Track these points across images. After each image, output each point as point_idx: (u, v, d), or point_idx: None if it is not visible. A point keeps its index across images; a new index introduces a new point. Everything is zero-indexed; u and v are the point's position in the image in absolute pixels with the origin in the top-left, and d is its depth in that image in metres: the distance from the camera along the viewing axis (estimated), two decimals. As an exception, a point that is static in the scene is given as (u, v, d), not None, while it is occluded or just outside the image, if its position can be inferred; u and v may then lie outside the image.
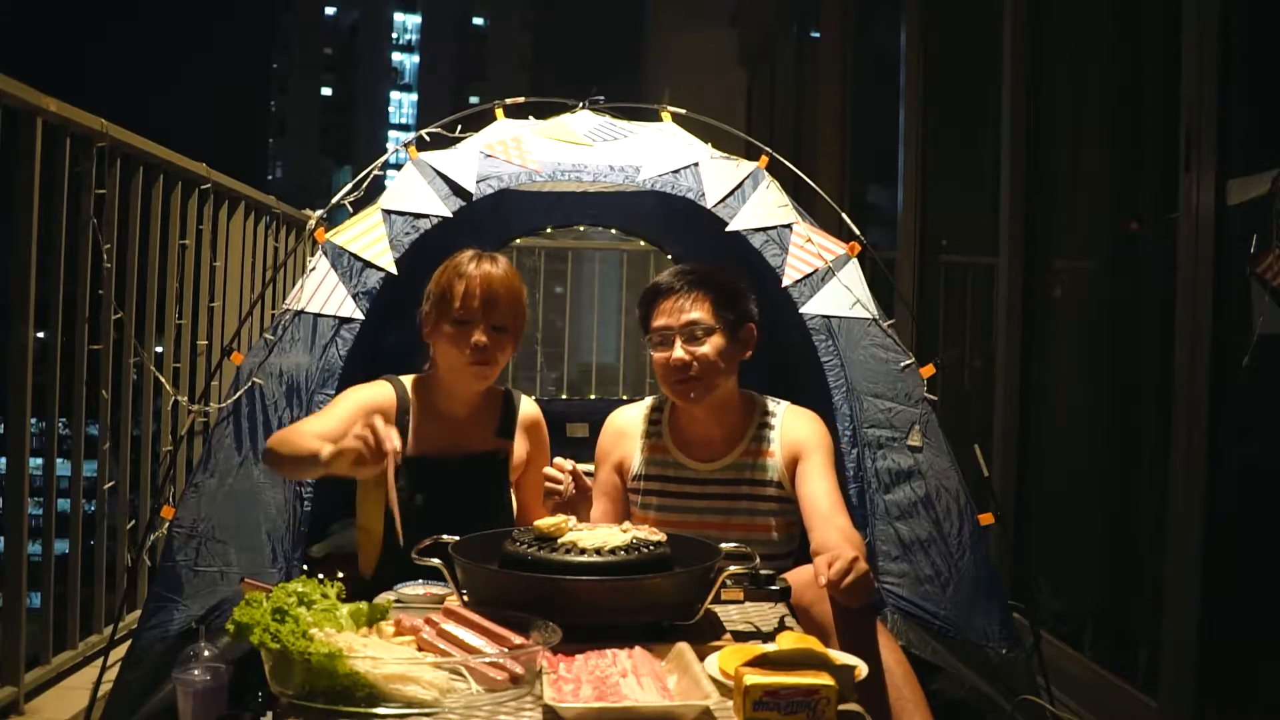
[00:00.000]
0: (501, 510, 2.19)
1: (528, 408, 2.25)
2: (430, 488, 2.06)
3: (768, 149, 2.45)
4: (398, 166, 2.38)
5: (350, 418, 1.92)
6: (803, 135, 6.60)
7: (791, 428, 2.18)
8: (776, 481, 2.17)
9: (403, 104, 50.21)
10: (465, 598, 1.69)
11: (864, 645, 1.73)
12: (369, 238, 2.22)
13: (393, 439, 1.72)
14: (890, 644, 1.81)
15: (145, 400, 3.21)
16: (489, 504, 2.16)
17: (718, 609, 1.85)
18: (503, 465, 2.19)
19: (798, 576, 1.85)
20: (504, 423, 2.21)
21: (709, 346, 2.11)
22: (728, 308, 2.14)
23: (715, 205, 2.33)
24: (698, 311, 2.12)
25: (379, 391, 2.11)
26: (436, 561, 1.72)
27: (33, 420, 2.49)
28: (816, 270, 2.31)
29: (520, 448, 2.22)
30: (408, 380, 2.16)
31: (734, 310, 2.15)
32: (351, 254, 2.21)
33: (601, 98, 2.48)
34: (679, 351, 2.10)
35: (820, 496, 2.06)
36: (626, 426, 2.28)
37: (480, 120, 2.45)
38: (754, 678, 1.32)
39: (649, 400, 2.32)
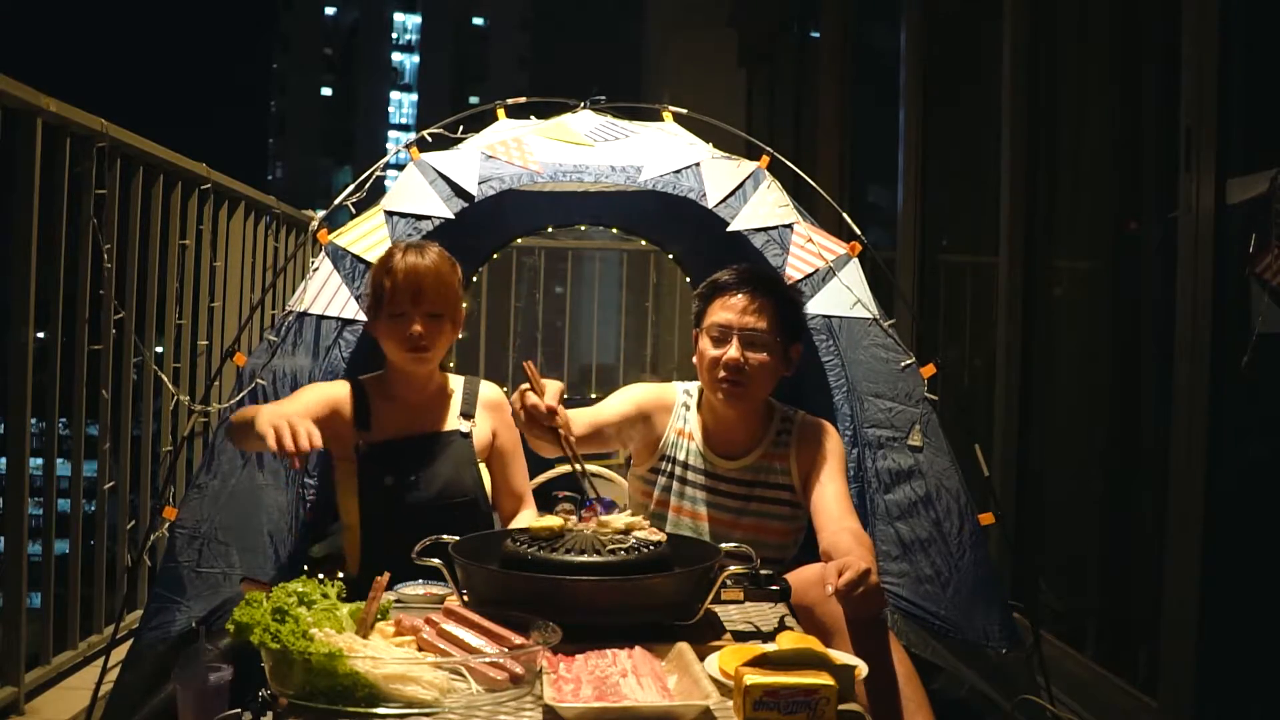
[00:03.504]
0: (472, 487, 2.18)
1: (488, 390, 2.28)
2: (398, 468, 2.11)
3: (768, 149, 2.46)
4: (399, 167, 2.39)
5: (315, 405, 2.06)
6: (803, 135, 6.60)
7: (808, 435, 2.19)
8: (789, 486, 2.18)
9: (403, 104, 50.17)
10: (465, 598, 1.69)
11: (875, 650, 1.73)
12: (371, 239, 2.22)
13: (312, 438, 1.82)
14: (893, 645, 1.82)
15: (145, 400, 3.21)
16: (457, 480, 2.16)
17: (718, 609, 1.85)
18: (466, 442, 2.20)
19: (799, 576, 1.86)
20: (465, 405, 2.25)
21: (764, 356, 2.11)
22: (786, 324, 2.14)
23: (716, 205, 2.33)
24: (761, 319, 2.10)
25: (336, 387, 2.16)
26: (436, 561, 1.72)
27: (33, 420, 2.49)
28: (817, 270, 2.31)
29: (484, 427, 2.23)
30: (365, 379, 2.20)
31: (791, 328, 2.15)
32: (354, 255, 2.21)
33: (602, 97, 2.49)
34: (734, 351, 2.09)
35: (831, 499, 2.07)
36: (666, 401, 2.26)
37: (481, 120, 2.45)
38: (754, 678, 1.33)
39: (681, 384, 2.30)
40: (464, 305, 2.20)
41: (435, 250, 2.13)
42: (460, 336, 2.26)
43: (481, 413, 2.25)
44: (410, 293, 2.08)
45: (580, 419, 2.11)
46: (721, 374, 2.11)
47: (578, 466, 1.91)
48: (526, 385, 1.93)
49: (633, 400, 2.23)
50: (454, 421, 2.22)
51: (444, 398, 2.24)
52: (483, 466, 2.25)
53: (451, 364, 2.70)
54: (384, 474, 2.10)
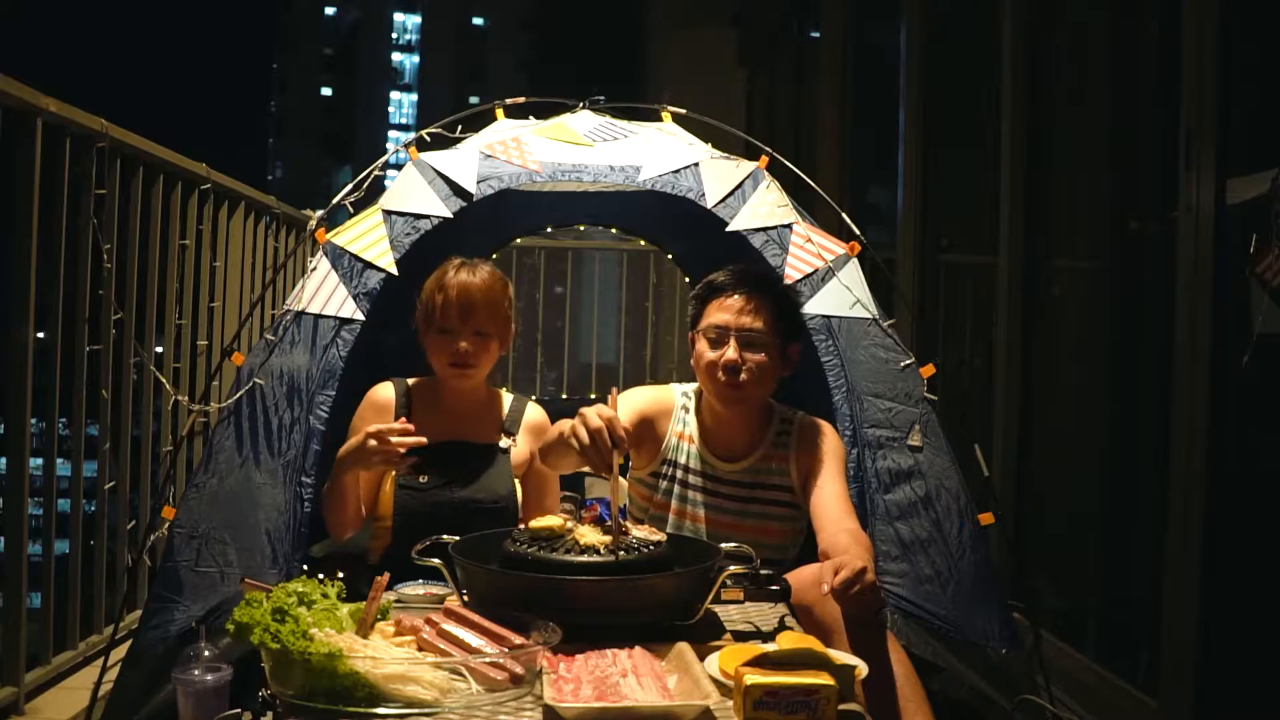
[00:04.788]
0: (504, 495, 2.21)
1: (534, 412, 2.34)
2: (434, 468, 2.16)
3: (768, 149, 2.45)
4: (398, 167, 2.39)
5: (372, 418, 2.16)
6: (803, 135, 6.59)
7: (807, 436, 2.19)
8: (789, 487, 2.18)
9: (403, 104, 50.15)
10: (465, 598, 1.69)
11: (874, 650, 1.73)
12: (370, 238, 2.22)
13: (399, 427, 1.99)
14: (892, 643, 1.81)
15: (145, 400, 3.21)
16: (489, 486, 2.20)
17: (718, 609, 1.85)
18: (504, 457, 2.25)
19: (799, 577, 1.86)
20: (509, 423, 2.29)
21: (761, 357, 2.10)
22: (784, 324, 2.13)
23: (715, 205, 2.33)
24: (757, 319, 2.10)
25: (380, 391, 2.23)
26: (436, 561, 1.72)
27: (33, 420, 2.49)
28: (817, 270, 2.31)
29: (524, 446, 2.28)
30: (411, 381, 2.26)
31: (788, 327, 2.15)
32: (352, 254, 2.21)
33: (602, 98, 2.49)
34: (732, 352, 2.08)
35: (831, 500, 2.07)
36: (666, 405, 2.26)
37: (480, 120, 2.45)
38: (754, 678, 1.33)
39: (679, 386, 2.30)
40: (513, 324, 2.26)
41: (487, 269, 2.22)
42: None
43: (524, 433, 2.30)
44: (462, 311, 2.15)
45: None
46: (720, 376, 2.10)
47: (618, 485, 1.86)
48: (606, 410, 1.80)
49: (634, 408, 2.22)
50: (494, 435, 2.27)
51: (489, 411, 2.30)
52: (515, 481, 2.28)
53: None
54: (419, 473, 2.16)
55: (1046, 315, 3.28)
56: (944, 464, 2.22)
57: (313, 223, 2.31)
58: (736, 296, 2.11)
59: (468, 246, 2.67)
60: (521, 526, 1.82)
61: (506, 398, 2.33)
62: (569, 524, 1.78)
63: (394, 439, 1.97)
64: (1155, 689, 2.43)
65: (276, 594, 1.47)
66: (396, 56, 50.34)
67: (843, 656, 1.53)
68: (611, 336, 5.87)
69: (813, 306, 2.28)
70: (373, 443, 1.97)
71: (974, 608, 2.14)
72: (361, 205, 2.30)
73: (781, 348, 2.13)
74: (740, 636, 1.72)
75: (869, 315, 2.30)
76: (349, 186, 2.33)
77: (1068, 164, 3.26)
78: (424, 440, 2.01)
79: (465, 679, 1.43)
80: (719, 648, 1.55)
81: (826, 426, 2.22)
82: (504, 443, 2.26)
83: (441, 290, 2.16)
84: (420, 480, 2.16)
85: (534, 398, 2.47)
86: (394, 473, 2.17)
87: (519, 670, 1.42)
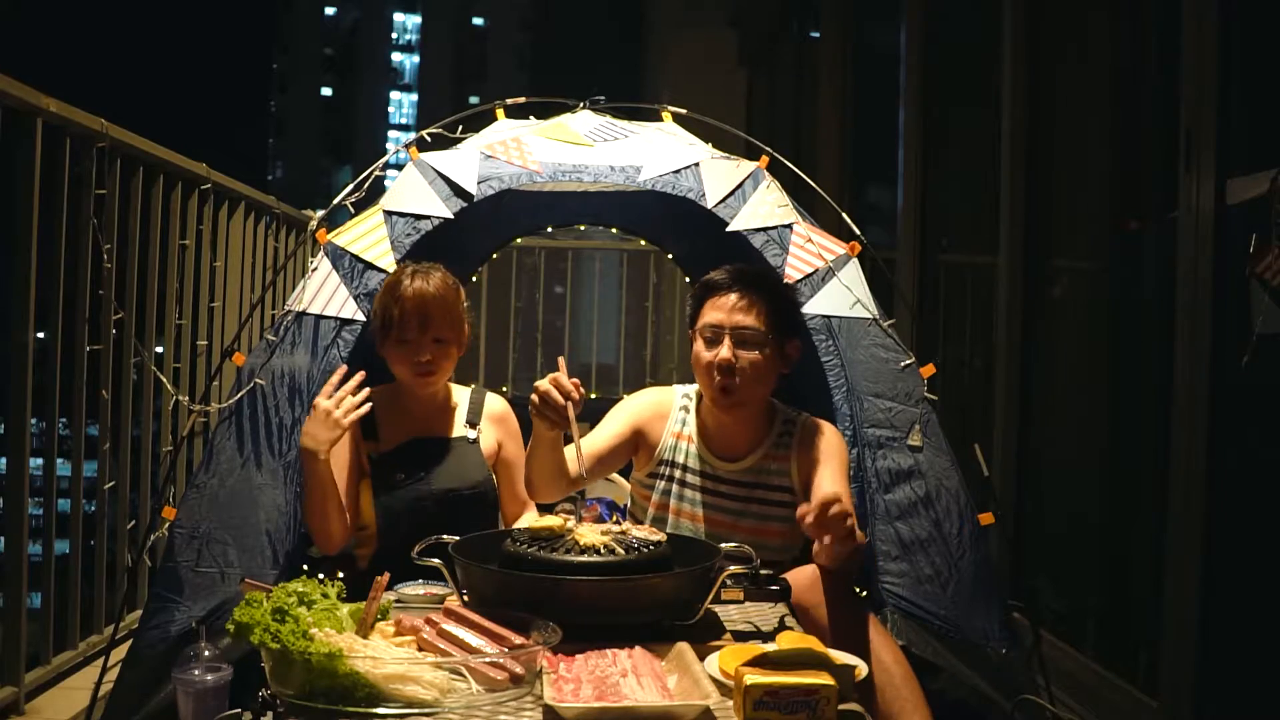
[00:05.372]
0: (481, 480, 2.25)
1: (494, 402, 2.37)
2: (407, 466, 2.21)
3: (768, 149, 2.45)
4: (399, 167, 2.39)
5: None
6: (803, 135, 6.59)
7: (809, 437, 2.18)
8: (789, 488, 2.18)
9: (403, 104, 50.12)
10: (465, 598, 1.70)
11: (856, 643, 1.73)
12: (370, 239, 2.23)
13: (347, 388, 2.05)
14: (889, 643, 1.82)
15: (145, 400, 3.21)
16: (464, 474, 2.23)
17: (718, 609, 1.85)
18: (473, 448, 2.28)
19: (798, 577, 1.86)
20: (471, 415, 2.33)
21: (756, 355, 2.09)
22: (780, 321, 2.12)
23: (715, 205, 2.33)
24: (751, 318, 2.09)
25: None
26: (436, 561, 1.73)
27: (33, 420, 2.49)
28: (817, 270, 2.31)
29: (489, 436, 2.32)
30: (375, 391, 2.23)
31: (785, 324, 2.14)
32: (353, 255, 2.21)
33: (602, 98, 2.49)
34: (726, 351, 2.08)
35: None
36: (663, 407, 2.27)
37: (480, 120, 2.45)
38: (754, 678, 1.33)
39: (680, 387, 2.30)
40: (468, 324, 2.28)
41: (439, 275, 2.22)
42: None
43: (486, 423, 2.33)
44: (417, 320, 2.16)
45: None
46: (716, 376, 2.10)
47: (575, 429, 1.93)
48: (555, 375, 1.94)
49: (626, 419, 2.23)
50: (460, 429, 2.31)
51: (450, 408, 2.33)
52: (490, 469, 2.29)
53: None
54: (394, 473, 2.19)
55: (1046, 315, 3.28)
56: (944, 464, 2.22)
57: (313, 223, 2.31)
58: (731, 295, 2.11)
59: (468, 246, 2.68)
60: (517, 526, 1.82)
61: (464, 391, 2.36)
62: (569, 524, 1.78)
63: (340, 393, 2.04)
64: (1155, 689, 2.43)
65: (276, 594, 1.47)
66: (396, 56, 50.30)
67: (843, 656, 1.53)
68: (611, 336, 5.88)
69: (813, 306, 2.28)
70: (326, 404, 2.02)
71: (974, 607, 2.14)
72: (362, 205, 2.30)
73: (779, 345, 2.13)
74: (740, 636, 1.73)
75: (869, 315, 2.30)
76: (349, 187, 2.33)
77: (1068, 164, 3.26)
78: (363, 373, 2.08)
79: (465, 679, 1.43)
80: (719, 648, 1.56)
81: (830, 428, 2.21)
82: (470, 434, 2.29)
83: (397, 302, 2.16)
84: (397, 478, 2.19)
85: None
86: (370, 477, 2.20)
87: (519, 670, 1.42)
